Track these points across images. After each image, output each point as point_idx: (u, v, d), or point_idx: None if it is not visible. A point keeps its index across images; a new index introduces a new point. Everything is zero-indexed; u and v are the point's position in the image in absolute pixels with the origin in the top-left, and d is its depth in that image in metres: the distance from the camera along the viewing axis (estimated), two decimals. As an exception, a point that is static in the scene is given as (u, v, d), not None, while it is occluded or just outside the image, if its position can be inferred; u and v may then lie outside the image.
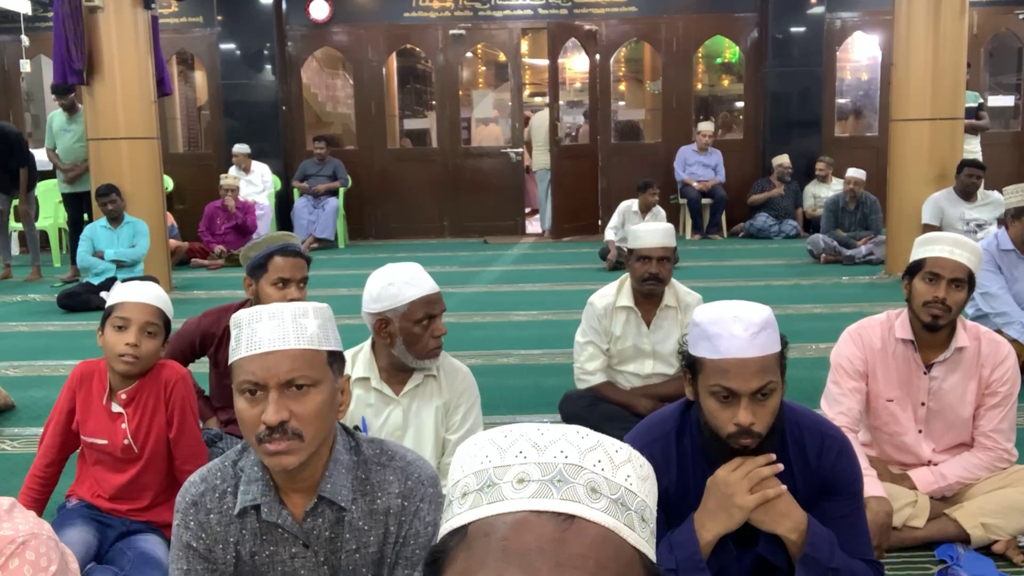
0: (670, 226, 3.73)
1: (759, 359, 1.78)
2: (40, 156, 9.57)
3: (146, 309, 2.58)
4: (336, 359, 1.63)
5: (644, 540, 0.77)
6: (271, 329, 1.55)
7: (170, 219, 9.61)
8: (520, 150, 10.93)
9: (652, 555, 0.78)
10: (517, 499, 0.75)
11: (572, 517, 0.73)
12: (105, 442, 2.62)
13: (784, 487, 1.84)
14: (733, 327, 1.78)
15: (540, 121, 10.60)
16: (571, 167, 10.47)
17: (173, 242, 9.48)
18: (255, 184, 10.00)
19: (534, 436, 0.78)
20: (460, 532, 0.76)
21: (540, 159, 10.66)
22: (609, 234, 8.23)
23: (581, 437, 0.78)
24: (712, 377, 1.80)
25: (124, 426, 2.62)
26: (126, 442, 2.61)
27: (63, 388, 2.70)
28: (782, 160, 10.19)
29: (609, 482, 0.76)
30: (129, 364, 2.57)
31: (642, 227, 3.66)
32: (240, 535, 1.64)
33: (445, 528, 0.78)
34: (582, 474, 0.76)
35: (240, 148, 9.95)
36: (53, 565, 1.64)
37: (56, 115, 8.15)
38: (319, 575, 1.66)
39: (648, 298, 3.64)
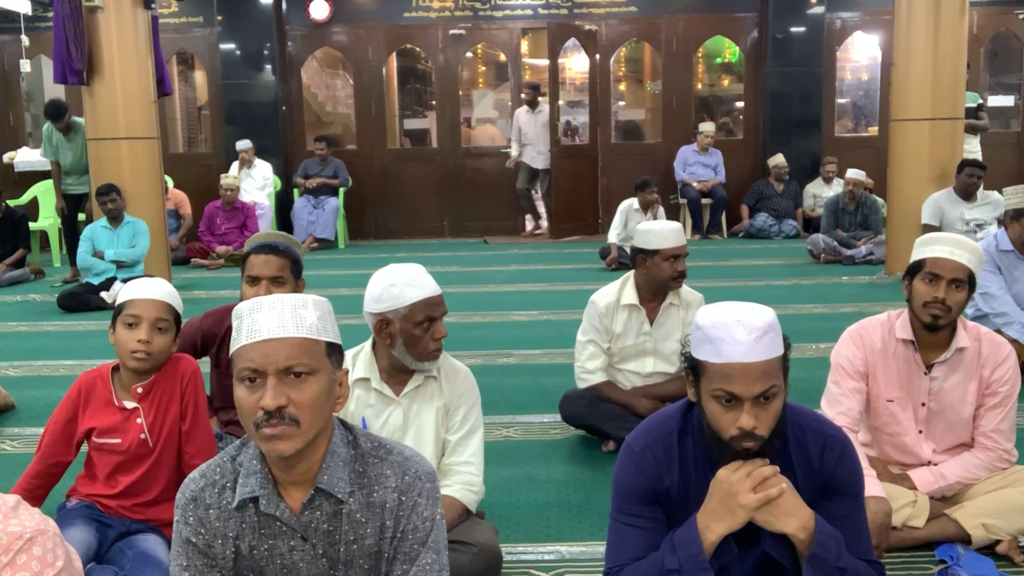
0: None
1: (762, 363, 1.77)
2: (34, 156, 9.58)
3: (156, 305, 2.61)
4: (334, 351, 1.65)
5: None
6: (271, 318, 1.57)
7: (187, 206, 9.64)
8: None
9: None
10: None
11: None
12: (118, 441, 2.62)
13: (785, 485, 1.83)
14: (736, 331, 1.77)
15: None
16: (571, 167, 10.46)
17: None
18: (255, 180, 9.99)
19: None
20: None
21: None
22: (612, 236, 8.22)
23: None
24: (714, 381, 1.80)
25: (140, 420, 2.62)
26: (142, 436, 2.62)
27: (63, 399, 2.69)
28: (777, 160, 10.19)
29: None
30: (141, 360, 2.59)
31: (663, 227, 3.63)
32: (239, 529, 1.65)
33: None
34: None
35: (243, 144, 9.96)
36: (59, 560, 1.64)
37: (54, 131, 7.98)
38: (317, 568, 1.66)
39: (657, 296, 3.66)
